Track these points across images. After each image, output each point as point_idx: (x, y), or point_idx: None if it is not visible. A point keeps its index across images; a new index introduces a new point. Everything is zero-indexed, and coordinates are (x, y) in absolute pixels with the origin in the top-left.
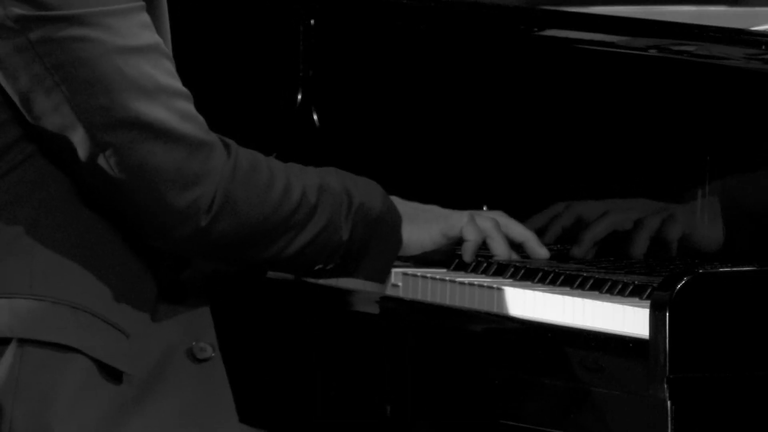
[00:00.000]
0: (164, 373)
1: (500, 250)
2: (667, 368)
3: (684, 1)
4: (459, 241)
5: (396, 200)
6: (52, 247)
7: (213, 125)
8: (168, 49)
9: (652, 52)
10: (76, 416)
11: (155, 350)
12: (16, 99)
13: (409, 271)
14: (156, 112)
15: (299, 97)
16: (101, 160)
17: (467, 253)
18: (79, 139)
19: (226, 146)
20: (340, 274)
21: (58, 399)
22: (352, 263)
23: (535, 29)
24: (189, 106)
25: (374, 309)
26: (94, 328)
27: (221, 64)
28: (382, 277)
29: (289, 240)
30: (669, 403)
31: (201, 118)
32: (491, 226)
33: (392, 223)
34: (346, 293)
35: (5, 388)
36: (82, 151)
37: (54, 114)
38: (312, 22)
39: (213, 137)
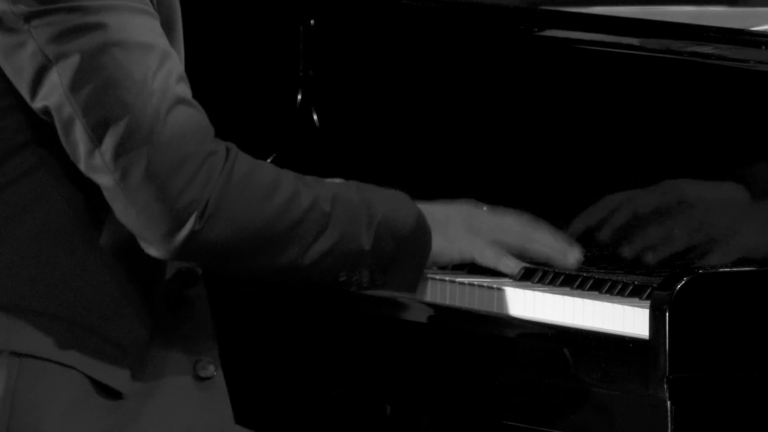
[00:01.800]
0: (164, 389)
1: (541, 257)
2: (667, 368)
3: (684, 2)
4: None
5: (427, 207)
6: (53, 262)
7: (213, 125)
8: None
9: (652, 52)
10: (78, 429)
11: (156, 367)
12: (24, 93)
13: None
14: (153, 111)
15: (299, 97)
16: (96, 158)
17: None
18: (78, 135)
19: (227, 150)
20: (369, 285)
21: (54, 413)
22: (380, 276)
23: (535, 29)
24: (191, 111)
25: (374, 309)
26: (91, 345)
27: (221, 63)
28: (413, 287)
29: (302, 249)
30: (669, 403)
31: (205, 122)
32: (521, 245)
33: (422, 236)
34: (344, 292)
35: (1, 402)
36: (82, 148)
37: (57, 110)
38: (312, 22)
39: (212, 142)
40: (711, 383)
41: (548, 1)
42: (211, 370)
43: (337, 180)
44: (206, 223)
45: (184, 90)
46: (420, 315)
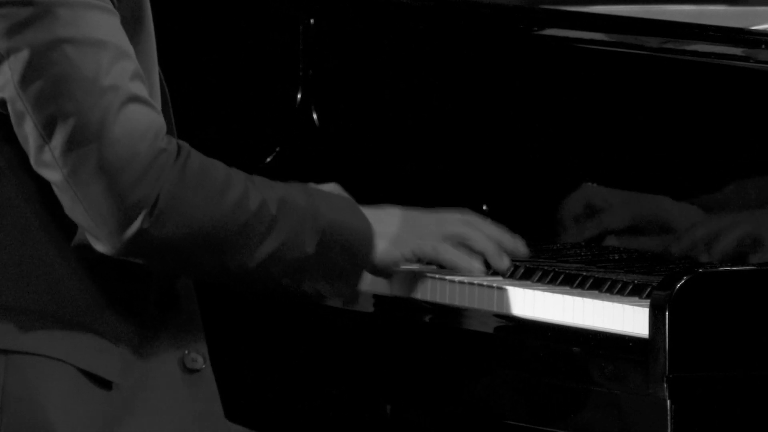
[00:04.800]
0: (154, 382)
1: (482, 248)
2: (667, 367)
3: (684, 1)
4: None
5: (369, 212)
6: (38, 258)
7: (213, 125)
8: (154, 71)
9: (652, 51)
10: (71, 420)
11: (145, 360)
12: None
13: (409, 269)
14: (103, 108)
15: (299, 96)
16: (46, 153)
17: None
18: (29, 130)
19: (178, 148)
20: (311, 290)
21: (48, 406)
22: (322, 281)
23: (535, 29)
24: (143, 108)
25: (372, 308)
26: (81, 338)
27: (221, 63)
28: (353, 297)
29: (250, 252)
30: (669, 402)
31: (158, 120)
32: (465, 234)
33: (365, 240)
34: None
35: None
36: (32, 143)
37: (11, 103)
38: (312, 22)
39: (163, 140)
40: (711, 382)
41: (548, 1)
42: (200, 362)
43: (295, 183)
44: (155, 221)
45: (138, 87)
46: (420, 314)
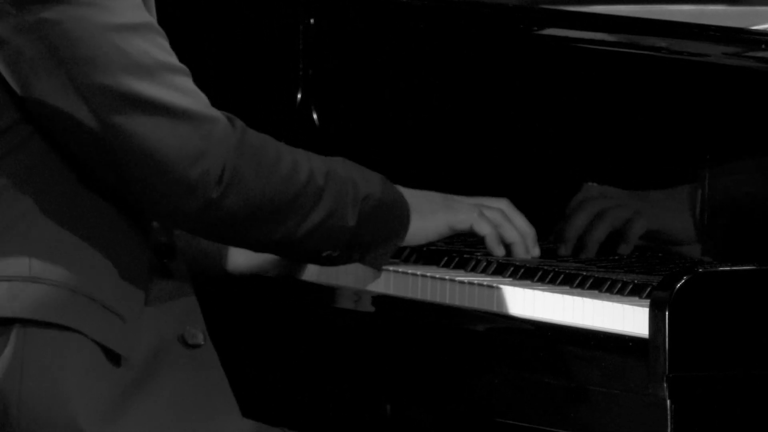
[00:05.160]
0: (159, 358)
1: (513, 237)
2: (667, 367)
3: (684, 1)
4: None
5: (402, 189)
6: (50, 231)
7: None
8: None
9: (652, 51)
10: (87, 394)
11: (149, 335)
12: (14, 81)
13: (410, 269)
14: (156, 88)
15: (299, 96)
16: (108, 140)
17: (493, 248)
18: (83, 120)
19: (231, 121)
20: (345, 261)
21: (67, 379)
22: (357, 252)
23: (535, 28)
24: (188, 82)
25: (373, 308)
26: (92, 312)
27: (221, 63)
28: (380, 264)
29: (298, 222)
30: (669, 401)
31: (202, 94)
32: (500, 217)
33: (400, 213)
34: (345, 291)
35: (10, 369)
36: (87, 131)
37: (57, 95)
38: (312, 21)
39: (216, 112)
40: (711, 382)
41: (548, 0)
42: (200, 337)
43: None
44: (223, 191)
45: (174, 59)
46: (420, 314)
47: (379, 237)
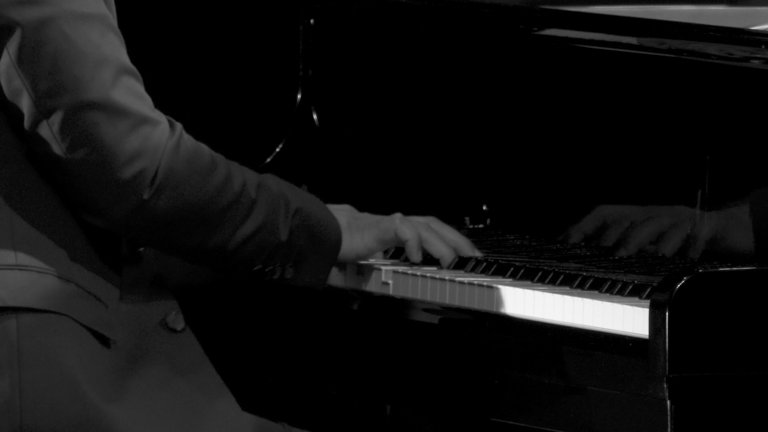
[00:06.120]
0: (146, 342)
1: (438, 249)
2: (667, 367)
3: (683, 1)
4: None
5: (331, 207)
6: (30, 219)
7: (213, 124)
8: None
9: (652, 51)
10: (92, 373)
11: (130, 321)
12: None
13: (410, 270)
14: (100, 82)
15: (299, 97)
16: (44, 129)
17: (412, 252)
18: (25, 106)
19: (171, 124)
20: (280, 276)
21: (69, 360)
22: (291, 267)
23: (535, 29)
24: (134, 82)
25: (373, 308)
26: (78, 297)
27: (221, 63)
28: (320, 284)
29: (230, 232)
30: (669, 402)
31: (147, 96)
32: (425, 226)
33: (331, 230)
34: (345, 292)
35: (7, 357)
36: (28, 119)
37: (7, 80)
38: (312, 22)
39: (159, 115)
40: (710, 382)
41: (548, 1)
42: (182, 321)
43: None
44: (155, 193)
45: (127, 58)
46: (420, 314)
47: (310, 252)
